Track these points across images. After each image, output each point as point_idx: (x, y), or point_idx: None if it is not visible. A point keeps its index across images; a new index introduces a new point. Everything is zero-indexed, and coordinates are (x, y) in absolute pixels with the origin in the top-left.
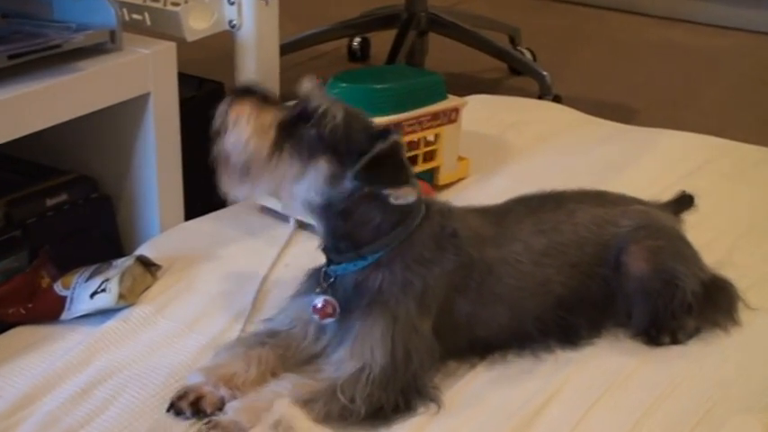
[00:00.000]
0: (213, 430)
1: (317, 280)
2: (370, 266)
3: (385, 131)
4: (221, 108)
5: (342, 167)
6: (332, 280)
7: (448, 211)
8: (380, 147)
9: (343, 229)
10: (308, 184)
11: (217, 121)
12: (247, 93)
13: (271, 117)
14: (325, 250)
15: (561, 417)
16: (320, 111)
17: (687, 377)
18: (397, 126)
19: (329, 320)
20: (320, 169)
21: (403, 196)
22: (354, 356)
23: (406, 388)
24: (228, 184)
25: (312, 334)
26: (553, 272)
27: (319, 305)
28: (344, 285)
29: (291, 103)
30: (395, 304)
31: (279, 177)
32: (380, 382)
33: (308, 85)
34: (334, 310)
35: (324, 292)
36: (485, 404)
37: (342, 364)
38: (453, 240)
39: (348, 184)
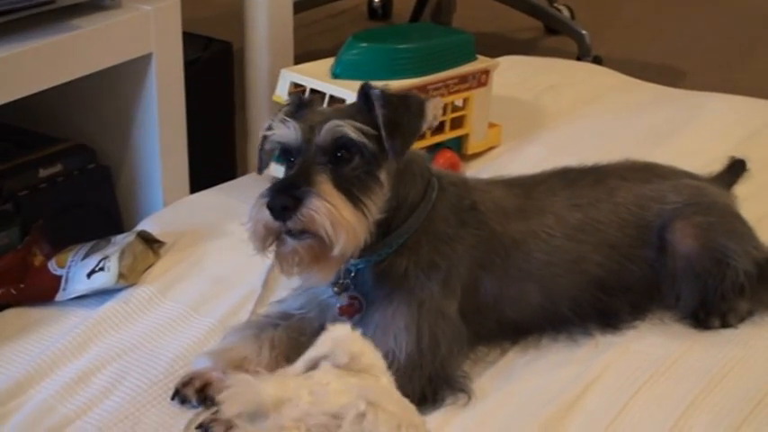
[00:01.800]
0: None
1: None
2: (394, 253)
3: (362, 90)
4: (292, 222)
5: (389, 162)
6: (352, 275)
7: (462, 183)
8: (380, 112)
9: (386, 222)
10: (381, 202)
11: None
12: (292, 188)
13: (329, 187)
14: None
15: (600, 406)
16: (352, 140)
17: (738, 363)
18: (422, 90)
19: (357, 317)
20: (385, 180)
21: (435, 107)
22: (377, 346)
23: (433, 377)
24: (329, 272)
25: (330, 322)
26: (589, 249)
27: (345, 304)
28: (365, 277)
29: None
30: (419, 289)
31: (369, 219)
32: (406, 371)
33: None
34: (361, 305)
35: (345, 290)
36: (517, 393)
37: None
38: (473, 213)
39: (393, 168)
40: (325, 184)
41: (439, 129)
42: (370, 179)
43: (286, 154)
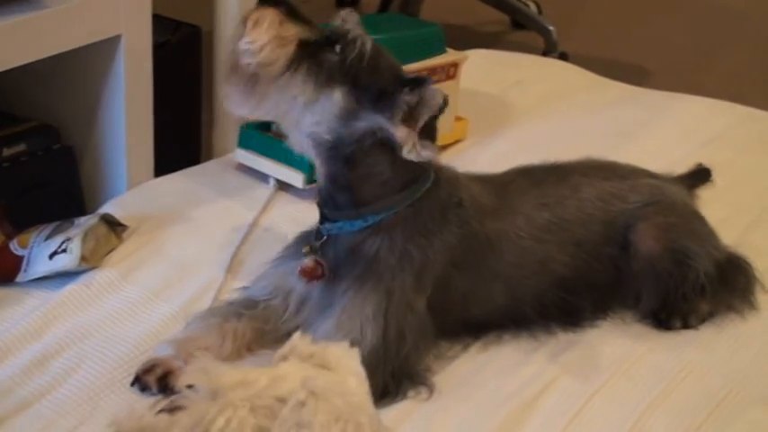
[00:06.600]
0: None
1: (307, 242)
2: (369, 229)
3: (419, 79)
4: (244, 14)
5: (358, 104)
6: (324, 239)
7: (455, 179)
8: (435, 103)
9: (346, 179)
10: (317, 115)
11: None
12: (275, 3)
13: (294, 31)
14: (321, 203)
15: (559, 405)
16: (349, 37)
17: (698, 365)
18: None
19: (316, 284)
20: (335, 100)
21: (423, 150)
22: (342, 330)
23: (396, 371)
24: (232, 96)
25: (294, 305)
26: (555, 249)
27: (308, 266)
28: (337, 247)
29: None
30: (390, 277)
31: (288, 99)
32: (369, 364)
33: (343, 14)
34: (323, 272)
35: (314, 252)
36: (477, 390)
37: (326, 337)
38: (458, 211)
39: (361, 125)
40: (292, 27)
41: None
42: (320, 77)
43: None
